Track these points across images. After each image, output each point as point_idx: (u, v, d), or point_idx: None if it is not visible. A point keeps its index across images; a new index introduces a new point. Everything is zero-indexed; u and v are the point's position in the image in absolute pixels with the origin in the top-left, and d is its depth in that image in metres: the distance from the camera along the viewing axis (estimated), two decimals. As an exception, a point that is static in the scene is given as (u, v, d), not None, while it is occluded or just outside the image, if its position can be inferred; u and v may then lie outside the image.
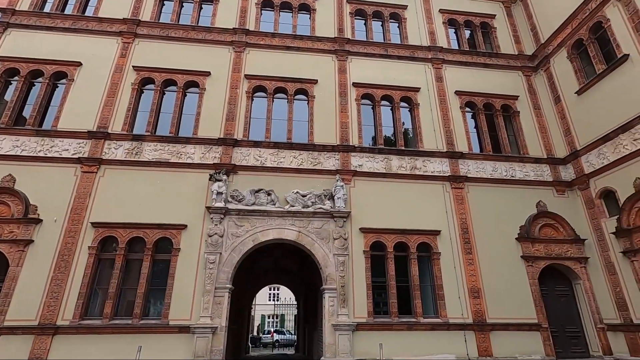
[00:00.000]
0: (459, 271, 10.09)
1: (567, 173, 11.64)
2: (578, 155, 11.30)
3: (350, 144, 11.22)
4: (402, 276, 10.06)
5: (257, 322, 33.55)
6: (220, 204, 9.73)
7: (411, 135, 12.18)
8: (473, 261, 10.23)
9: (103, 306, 8.80)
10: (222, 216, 9.73)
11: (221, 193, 9.83)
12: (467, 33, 14.27)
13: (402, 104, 12.36)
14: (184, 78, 11.53)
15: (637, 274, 9.25)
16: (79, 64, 11.19)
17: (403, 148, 11.54)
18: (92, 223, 9.32)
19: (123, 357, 8.11)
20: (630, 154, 9.65)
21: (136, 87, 11.18)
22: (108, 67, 11.29)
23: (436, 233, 10.40)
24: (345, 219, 10.15)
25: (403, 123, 12.14)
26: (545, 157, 11.94)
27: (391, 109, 12.29)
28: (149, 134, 10.65)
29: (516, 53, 13.68)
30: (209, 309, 8.81)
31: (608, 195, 10.42)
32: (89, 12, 12.41)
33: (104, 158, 10.06)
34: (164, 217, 9.61)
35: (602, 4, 10.76)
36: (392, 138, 12.04)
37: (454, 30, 14.17)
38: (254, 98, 11.75)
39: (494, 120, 12.53)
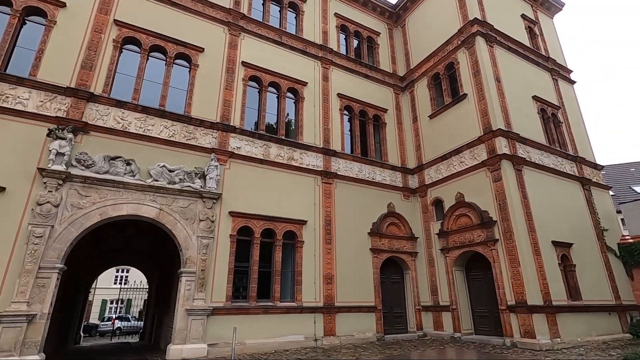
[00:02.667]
0: (318, 259, 10.90)
1: (413, 182, 13.90)
2: (423, 168, 13.62)
3: (231, 124, 10.78)
4: (266, 262, 10.26)
5: (96, 307, 29.22)
6: (60, 167, 8.00)
7: (293, 127, 12.48)
8: (331, 251, 11.19)
9: None
10: (61, 182, 8.02)
11: (63, 154, 8.09)
12: (355, 42, 15.43)
13: (289, 94, 12.53)
14: (24, 0, 8.99)
15: (447, 267, 11.77)
16: None
17: (284, 138, 11.73)
18: None
19: None
20: (456, 172, 12.15)
21: (-58, -8, 8.15)
22: None
23: (303, 223, 10.96)
24: (215, 201, 9.71)
25: (287, 114, 12.34)
26: (400, 166, 13.97)
27: (277, 97, 12.32)
28: (-44, 60, 7.91)
29: (391, 72, 15.51)
30: (26, 293, 7.15)
31: (438, 203, 12.90)
32: None
33: None
34: (-32, 173, 7.32)
35: (456, 48, 13.18)
36: (275, 126, 12.09)
37: (344, 36, 15.11)
38: (123, 50, 10.06)
39: (366, 127, 13.96)
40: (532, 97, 12.95)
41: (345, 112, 13.64)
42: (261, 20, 12.87)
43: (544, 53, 14.71)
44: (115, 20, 9.99)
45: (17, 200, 7.63)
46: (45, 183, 7.88)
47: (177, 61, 10.77)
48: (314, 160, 11.96)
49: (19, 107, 8.20)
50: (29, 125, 8.18)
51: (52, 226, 7.75)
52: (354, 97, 13.82)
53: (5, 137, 7.88)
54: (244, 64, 11.70)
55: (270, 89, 12.19)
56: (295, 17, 13.97)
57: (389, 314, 11.87)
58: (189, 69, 10.82)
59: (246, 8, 12.61)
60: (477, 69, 12.15)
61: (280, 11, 13.69)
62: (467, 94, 12.38)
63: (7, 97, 8.16)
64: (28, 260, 7.32)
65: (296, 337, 9.75)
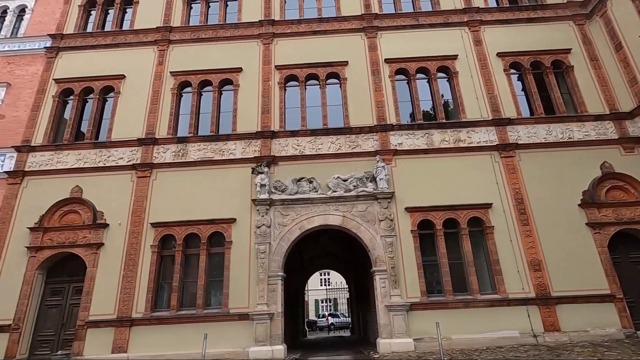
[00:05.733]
0: (516, 244, 9.56)
1: (636, 128, 10.43)
2: (648, 106, 10.06)
3: (388, 122, 10.92)
4: (455, 253, 9.74)
5: (311, 307, 34.55)
6: (265, 196, 10.00)
7: (452, 107, 11.57)
8: (531, 233, 9.62)
9: (169, 299, 9.53)
10: (268, 207, 10.00)
11: (264, 185, 10.08)
12: (506, -13, 13.08)
13: (440, 74, 11.74)
14: (218, 77, 11.85)
15: None
16: (123, 77, 11.91)
17: (444, 121, 11.01)
18: (151, 223, 10.04)
19: (191, 344, 8.75)
20: None
21: (175, 91, 11.70)
22: (148, 76, 11.90)
23: (487, 206, 9.89)
24: (389, 200, 9.98)
25: (442, 95, 11.56)
26: (608, 112, 10.77)
27: (428, 82, 11.74)
28: (191, 135, 11.14)
29: (565, 1, 12.33)
30: (264, 297, 9.19)
31: (688, 147, 9.21)
32: (126, 25, 13.10)
33: (154, 162, 10.73)
34: (214, 212, 10.09)
35: None
36: (432, 112, 11.52)
37: (490, -14, 13.07)
38: (286, 88, 11.79)
39: (544, 79, 11.50)
40: None
41: (512, 70, 11.65)
42: (394, 12, 12.68)
43: None
44: (276, 66, 11.87)
45: (244, 226, 9.98)
46: (258, 210, 10.00)
47: (329, 81, 11.80)
48: (485, 136, 10.69)
49: (231, 157, 10.78)
50: (240, 168, 10.61)
51: (269, 243, 9.74)
52: (520, 50, 11.66)
53: (229, 180, 10.49)
54: (387, 61, 11.73)
55: (418, 75, 11.74)
56: (428, -8, 13.06)
57: (636, 304, 9.14)
58: (339, 84, 11.69)
59: (377, 7, 12.69)
60: None
61: (410, -6, 13.12)
62: None
63: (224, 151, 10.88)
64: (260, 271, 9.42)
65: (509, 333, 8.76)
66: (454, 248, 9.81)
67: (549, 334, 8.71)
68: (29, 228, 10.02)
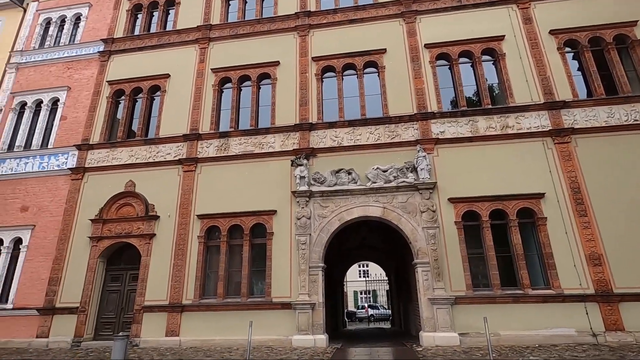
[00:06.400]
0: (572, 237, 8.89)
1: None
2: None
3: (429, 110, 10.53)
4: (502, 246, 9.27)
5: (350, 298, 34.64)
6: (304, 188, 10.08)
7: (498, 91, 10.92)
8: (590, 224, 8.90)
9: (216, 287, 9.97)
10: (307, 199, 10.09)
11: (304, 177, 10.17)
12: (560, -42, 11.99)
13: (484, 57, 11.09)
14: (257, 71, 12.04)
15: None
16: (168, 76, 12.48)
17: (490, 106, 10.41)
18: (197, 215, 10.52)
19: (237, 330, 9.13)
20: None
21: (216, 87, 12.06)
22: (191, 74, 12.37)
23: (539, 196, 9.27)
24: (431, 191, 9.68)
25: (487, 79, 10.92)
26: (683, 90, 9.63)
27: (471, 66, 11.14)
28: (232, 129, 11.47)
29: (630, -32, 11.08)
30: (305, 287, 9.34)
31: None
32: (169, 26, 13.66)
33: (199, 157, 11.19)
34: (255, 204, 10.36)
35: None
36: (475, 98, 10.95)
37: (541, -42, 12.04)
38: (323, 79, 11.73)
39: (605, 57, 10.48)
40: None
41: (567, 48, 10.73)
42: (434, -6, 12.13)
43: None
44: (312, 58, 11.83)
45: (285, 218, 10.16)
46: (298, 202, 10.12)
47: (366, 70, 11.56)
48: (535, 121, 9.99)
49: (271, 150, 10.96)
50: (279, 161, 10.77)
51: (310, 234, 9.84)
52: (576, 25, 10.68)
53: (270, 173, 10.69)
54: (427, 46, 11.27)
55: (461, 59, 11.17)
56: (471, -30, 12.30)
57: None
58: (377, 73, 11.43)
59: (415, -11, 12.19)
60: None
61: (452, -27, 12.43)
62: None
63: (263, 144, 11.08)
64: (301, 262, 9.57)
65: (564, 331, 8.22)
66: (502, 240, 9.34)
67: (610, 333, 8.06)
68: (90, 220, 10.92)
